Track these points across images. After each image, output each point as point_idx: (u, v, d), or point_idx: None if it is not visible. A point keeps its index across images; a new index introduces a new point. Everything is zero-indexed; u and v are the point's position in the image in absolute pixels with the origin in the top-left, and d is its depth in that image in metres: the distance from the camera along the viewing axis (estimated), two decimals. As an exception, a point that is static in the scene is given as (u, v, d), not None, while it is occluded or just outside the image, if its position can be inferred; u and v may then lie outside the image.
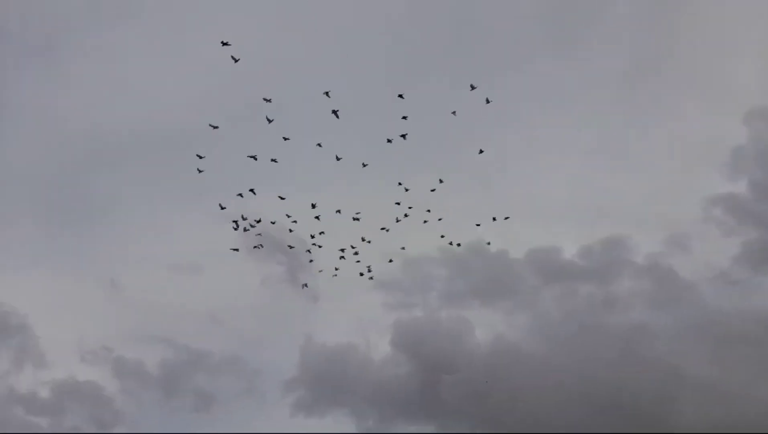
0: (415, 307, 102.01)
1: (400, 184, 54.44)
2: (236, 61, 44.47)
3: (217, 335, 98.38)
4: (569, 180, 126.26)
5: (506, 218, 57.76)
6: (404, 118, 48.99)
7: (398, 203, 54.65)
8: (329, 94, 47.37)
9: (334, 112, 47.45)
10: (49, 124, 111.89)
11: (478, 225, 59.98)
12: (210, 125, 47.32)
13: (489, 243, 61.82)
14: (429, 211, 56.11)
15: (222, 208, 50.14)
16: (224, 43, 43.93)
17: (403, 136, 49.41)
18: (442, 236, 59.11)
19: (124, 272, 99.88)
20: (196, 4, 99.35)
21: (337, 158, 50.22)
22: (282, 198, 51.86)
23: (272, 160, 49.03)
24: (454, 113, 50.36)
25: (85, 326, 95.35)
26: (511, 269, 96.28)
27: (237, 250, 54.47)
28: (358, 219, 53.68)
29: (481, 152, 53.89)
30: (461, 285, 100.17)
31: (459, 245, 61.36)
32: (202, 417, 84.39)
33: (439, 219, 56.60)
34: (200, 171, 48.72)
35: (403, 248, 60.00)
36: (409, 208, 55.01)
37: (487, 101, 49.61)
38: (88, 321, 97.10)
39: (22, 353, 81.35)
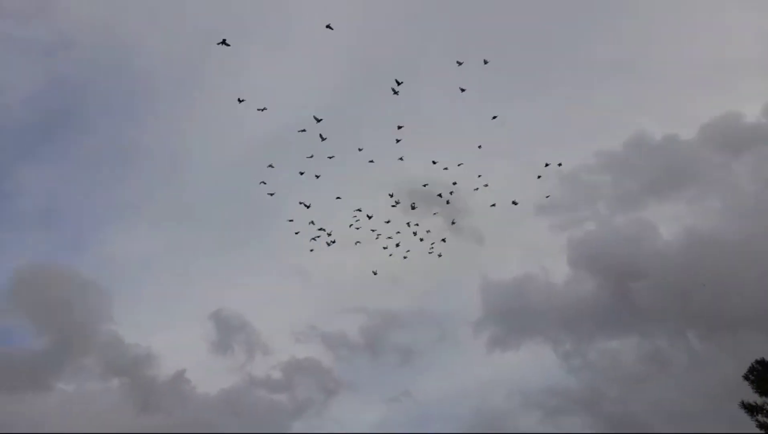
0: (586, 221, 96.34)
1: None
2: (263, 110, 48.18)
3: (400, 294, 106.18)
4: (728, 31, 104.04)
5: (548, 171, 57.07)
6: (395, 90, 48.65)
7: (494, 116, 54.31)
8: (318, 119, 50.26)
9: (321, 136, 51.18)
10: (218, 142, 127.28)
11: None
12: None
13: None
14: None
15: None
16: (240, 100, 47.53)
17: (399, 126, 52.24)
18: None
19: (306, 259, 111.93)
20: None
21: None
22: (338, 198, 58.51)
23: (316, 176, 55.31)
24: None
25: (289, 312, 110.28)
26: (685, 153, 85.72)
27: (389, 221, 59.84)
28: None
29: (494, 118, 52.53)
30: (631, 185, 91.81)
31: (516, 203, 60.77)
32: (407, 369, 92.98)
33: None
34: (271, 194, 56.79)
35: (560, 165, 57.67)
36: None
37: (485, 62, 49.43)
38: (290, 307, 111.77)
39: (250, 345, 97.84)
